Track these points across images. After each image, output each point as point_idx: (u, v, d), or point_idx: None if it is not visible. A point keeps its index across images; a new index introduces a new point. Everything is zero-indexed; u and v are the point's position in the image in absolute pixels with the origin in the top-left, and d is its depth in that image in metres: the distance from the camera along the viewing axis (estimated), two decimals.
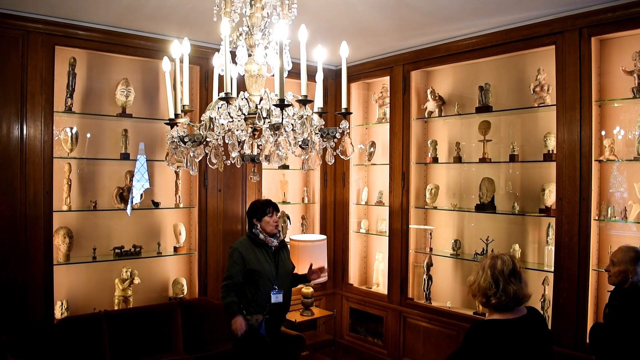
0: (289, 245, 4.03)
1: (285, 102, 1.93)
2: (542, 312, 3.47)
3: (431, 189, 4.67)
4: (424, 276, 4.63)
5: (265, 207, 3.53)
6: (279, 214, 3.65)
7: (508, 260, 2.30)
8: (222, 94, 1.98)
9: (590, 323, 3.45)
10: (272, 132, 1.97)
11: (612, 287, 2.95)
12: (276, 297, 3.42)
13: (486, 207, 4.23)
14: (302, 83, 2.03)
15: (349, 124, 2.16)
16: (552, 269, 3.69)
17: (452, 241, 4.52)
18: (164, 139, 4.36)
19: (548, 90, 3.87)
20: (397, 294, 4.71)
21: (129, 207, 4.23)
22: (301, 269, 4.40)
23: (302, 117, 2.02)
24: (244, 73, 2.30)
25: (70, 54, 3.92)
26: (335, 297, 5.34)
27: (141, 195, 4.30)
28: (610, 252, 3.34)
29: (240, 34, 2.27)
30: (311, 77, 2.17)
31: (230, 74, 2.10)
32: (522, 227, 4.20)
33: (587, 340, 3.32)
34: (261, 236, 3.47)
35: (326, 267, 3.76)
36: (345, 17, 3.67)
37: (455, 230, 4.66)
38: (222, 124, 2.05)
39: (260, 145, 2.19)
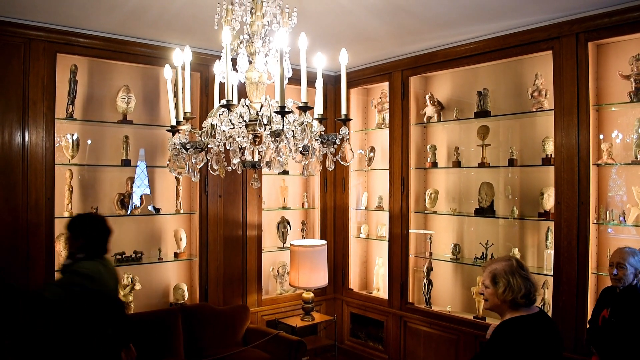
0: None
1: (286, 109, 1.95)
2: None
3: (431, 194, 4.68)
4: (424, 281, 4.64)
5: None
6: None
7: (514, 258, 2.41)
8: (224, 101, 2.01)
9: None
10: (272, 139, 2.00)
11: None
12: None
13: (485, 211, 4.25)
14: (302, 90, 2.06)
15: (349, 129, 2.18)
16: (552, 273, 3.71)
17: (452, 245, 4.53)
18: (165, 146, 4.39)
19: (546, 94, 3.90)
20: (397, 299, 4.72)
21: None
22: (300, 273, 4.45)
23: (302, 123, 2.05)
24: (245, 80, 2.33)
25: (72, 61, 3.95)
26: (336, 302, 5.34)
27: (141, 198, 4.33)
28: (609, 255, 3.35)
29: (241, 42, 2.30)
30: (311, 83, 2.19)
31: (231, 81, 2.12)
32: (521, 231, 4.21)
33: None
34: None
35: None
36: (344, 24, 3.70)
37: (454, 235, 4.68)
38: (224, 131, 2.07)
39: (261, 151, 2.22)
